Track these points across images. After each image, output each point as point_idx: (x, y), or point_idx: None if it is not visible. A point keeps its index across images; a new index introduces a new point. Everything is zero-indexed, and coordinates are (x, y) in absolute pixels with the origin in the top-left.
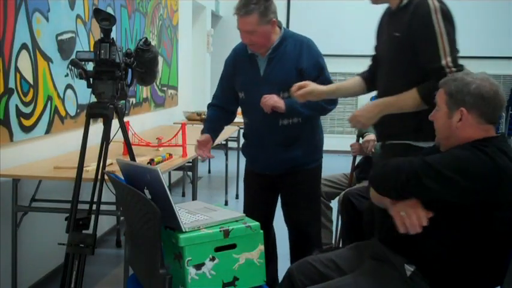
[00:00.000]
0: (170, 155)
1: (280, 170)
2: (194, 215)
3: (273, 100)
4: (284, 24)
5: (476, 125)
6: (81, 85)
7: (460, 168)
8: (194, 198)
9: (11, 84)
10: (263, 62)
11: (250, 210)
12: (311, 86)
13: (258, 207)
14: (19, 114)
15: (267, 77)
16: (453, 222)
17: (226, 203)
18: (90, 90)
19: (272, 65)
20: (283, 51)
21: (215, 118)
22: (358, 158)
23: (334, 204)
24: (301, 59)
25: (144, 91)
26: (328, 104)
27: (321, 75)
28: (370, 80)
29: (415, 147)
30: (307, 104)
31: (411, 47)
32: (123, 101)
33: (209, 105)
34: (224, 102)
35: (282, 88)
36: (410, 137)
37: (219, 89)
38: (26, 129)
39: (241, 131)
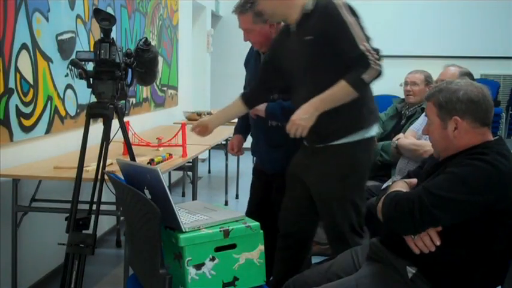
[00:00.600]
0: (170, 155)
1: (272, 170)
2: (194, 215)
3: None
4: None
5: (472, 130)
6: (81, 85)
7: (466, 187)
8: (194, 198)
9: (11, 84)
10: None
11: (251, 207)
12: (200, 120)
13: (257, 204)
14: (19, 114)
15: None
16: (456, 228)
17: (226, 203)
18: (90, 90)
19: None
20: None
21: (243, 115)
22: None
23: None
24: None
25: (144, 91)
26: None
27: None
28: (251, 98)
29: (356, 143)
30: (287, 109)
31: (328, 45)
32: (123, 101)
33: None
34: None
35: None
36: (348, 132)
37: (245, 82)
38: (26, 129)
39: None
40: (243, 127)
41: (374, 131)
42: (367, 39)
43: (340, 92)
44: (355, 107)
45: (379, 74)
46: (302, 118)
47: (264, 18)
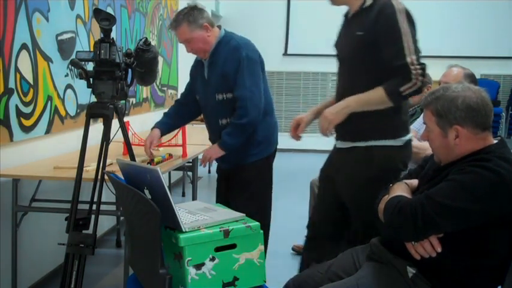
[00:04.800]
0: (170, 155)
1: (226, 166)
2: (194, 215)
3: (212, 159)
4: (284, 24)
5: (473, 136)
6: (81, 85)
7: (469, 195)
8: (194, 198)
9: (11, 84)
10: (206, 66)
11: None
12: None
13: (221, 202)
14: (19, 114)
15: (208, 80)
16: (457, 234)
17: None
18: (90, 90)
19: (211, 69)
20: (218, 56)
21: (173, 114)
22: None
23: None
24: (226, 63)
25: (144, 91)
26: (240, 119)
27: (236, 78)
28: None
29: (380, 148)
30: (230, 132)
31: (375, 45)
32: (123, 101)
33: (175, 101)
34: (187, 100)
35: (217, 91)
36: (377, 136)
37: (185, 89)
38: (26, 129)
39: None
40: (166, 122)
41: (403, 141)
42: (417, 52)
43: (375, 97)
44: (388, 114)
45: (417, 90)
46: (332, 113)
47: (199, 24)
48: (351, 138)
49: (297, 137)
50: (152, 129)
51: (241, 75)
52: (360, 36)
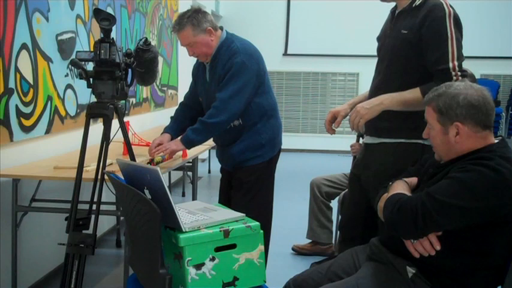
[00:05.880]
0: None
1: (230, 167)
2: (194, 215)
3: (169, 150)
4: (284, 24)
5: (474, 134)
6: (81, 85)
7: (470, 193)
8: (194, 198)
9: (11, 84)
10: (208, 70)
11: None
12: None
13: (223, 203)
14: (19, 114)
15: (209, 84)
16: (457, 232)
17: None
18: (90, 90)
19: (212, 73)
20: (218, 60)
21: (180, 117)
22: None
23: (334, 204)
24: (224, 67)
25: (144, 91)
26: (208, 119)
27: (223, 81)
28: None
29: (408, 144)
30: (195, 128)
31: (418, 46)
32: (123, 101)
33: (179, 104)
34: (191, 101)
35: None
36: (404, 134)
37: (189, 90)
38: (26, 129)
39: None
40: (175, 128)
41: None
42: (460, 57)
43: (410, 98)
44: (417, 116)
45: None
46: (365, 108)
47: (203, 28)
48: (379, 134)
49: (332, 131)
50: (162, 134)
51: (228, 79)
52: (404, 34)
